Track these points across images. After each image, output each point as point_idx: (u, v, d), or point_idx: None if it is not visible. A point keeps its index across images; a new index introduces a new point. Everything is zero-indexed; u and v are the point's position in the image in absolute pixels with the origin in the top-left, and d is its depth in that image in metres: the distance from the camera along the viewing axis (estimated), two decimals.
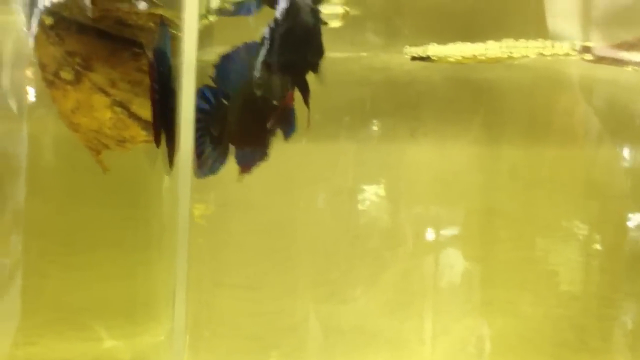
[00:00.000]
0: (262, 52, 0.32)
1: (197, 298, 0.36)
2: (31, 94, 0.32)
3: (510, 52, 0.27)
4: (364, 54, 0.30)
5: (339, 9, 0.31)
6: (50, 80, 0.32)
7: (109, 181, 0.34)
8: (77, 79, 0.32)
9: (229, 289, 0.34)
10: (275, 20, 0.32)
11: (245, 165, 0.33)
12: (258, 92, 0.33)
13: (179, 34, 0.37)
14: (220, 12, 0.36)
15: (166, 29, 0.36)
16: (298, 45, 0.32)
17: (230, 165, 0.34)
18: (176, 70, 0.37)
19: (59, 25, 0.31)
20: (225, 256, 0.35)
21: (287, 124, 0.32)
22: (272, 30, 0.32)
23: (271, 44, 0.32)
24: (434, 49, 0.28)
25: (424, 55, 0.28)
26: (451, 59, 0.28)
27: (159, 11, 0.35)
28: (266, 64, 0.32)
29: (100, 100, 0.33)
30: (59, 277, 0.33)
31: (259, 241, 0.33)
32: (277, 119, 0.32)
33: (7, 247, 0.32)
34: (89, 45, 0.32)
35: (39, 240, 0.33)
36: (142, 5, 0.34)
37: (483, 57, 0.28)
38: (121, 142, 0.34)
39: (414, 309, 0.30)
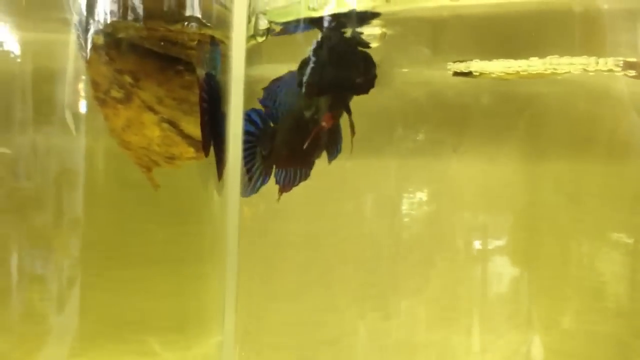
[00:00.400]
0: (307, 72, 0.32)
1: (246, 311, 0.36)
2: (85, 111, 0.32)
3: (554, 69, 0.27)
4: (406, 69, 0.30)
5: (377, 30, 0.30)
6: (102, 99, 0.32)
7: (161, 197, 0.34)
8: (127, 98, 0.32)
9: (277, 302, 0.34)
10: (320, 40, 0.32)
11: (286, 184, 0.33)
12: (306, 114, 0.32)
13: (228, 52, 0.38)
14: (269, 32, 0.36)
15: (217, 48, 0.36)
16: (341, 67, 0.32)
17: (271, 183, 0.34)
18: (225, 86, 0.37)
19: (109, 45, 0.32)
20: (274, 269, 0.34)
21: (333, 145, 0.31)
22: (316, 51, 0.32)
23: (315, 64, 0.32)
24: (477, 65, 0.28)
25: (466, 71, 0.28)
26: (493, 75, 0.28)
27: (209, 32, 0.35)
28: (310, 85, 0.32)
29: (149, 117, 0.33)
30: (112, 291, 0.33)
31: (307, 255, 0.33)
32: (320, 140, 0.32)
33: (63, 261, 0.32)
34: (137, 63, 0.32)
35: (94, 254, 0.33)
36: (193, 27, 0.35)
37: (525, 73, 0.27)
38: (170, 159, 0.34)
39: (458, 323, 0.29)
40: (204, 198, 0.37)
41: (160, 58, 0.33)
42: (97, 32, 0.31)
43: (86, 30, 0.31)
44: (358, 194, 0.31)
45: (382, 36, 0.30)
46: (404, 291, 0.30)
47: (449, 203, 0.29)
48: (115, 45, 0.32)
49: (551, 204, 0.28)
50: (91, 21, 0.32)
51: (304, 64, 0.32)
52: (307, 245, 0.33)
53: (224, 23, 0.37)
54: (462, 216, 0.29)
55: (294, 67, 0.33)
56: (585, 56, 0.27)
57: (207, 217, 0.37)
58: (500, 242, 0.29)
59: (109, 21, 0.32)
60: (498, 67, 0.27)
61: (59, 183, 0.31)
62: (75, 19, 0.31)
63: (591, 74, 0.27)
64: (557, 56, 0.27)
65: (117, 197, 0.33)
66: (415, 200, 0.30)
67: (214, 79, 0.36)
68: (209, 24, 0.36)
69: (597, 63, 0.26)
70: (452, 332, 0.29)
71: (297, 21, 0.33)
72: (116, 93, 0.32)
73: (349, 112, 0.31)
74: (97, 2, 0.32)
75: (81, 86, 0.32)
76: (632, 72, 0.26)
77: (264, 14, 0.36)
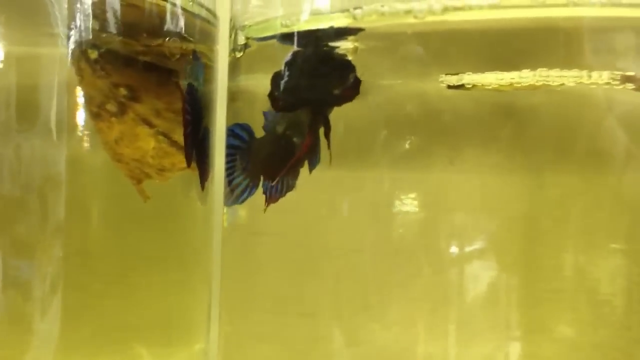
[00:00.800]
0: (281, 86, 0.33)
1: (228, 321, 0.36)
2: (75, 123, 0.32)
3: (546, 81, 0.27)
4: (399, 81, 0.30)
5: (349, 44, 0.31)
6: (95, 112, 0.32)
7: (145, 207, 0.34)
8: (121, 111, 0.32)
9: (258, 314, 0.34)
10: (292, 54, 0.32)
11: (273, 195, 0.33)
12: (279, 129, 0.33)
13: (213, 64, 0.38)
14: (245, 47, 0.36)
15: (199, 61, 0.36)
16: (316, 80, 0.32)
17: (258, 195, 0.34)
18: (209, 95, 0.38)
19: (104, 59, 0.32)
20: (256, 280, 0.34)
21: (312, 155, 0.32)
22: (288, 65, 0.32)
23: (288, 78, 0.32)
24: (469, 78, 0.28)
25: (459, 83, 0.28)
26: (488, 87, 0.28)
27: (191, 46, 0.36)
28: (285, 100, 0.33)
29: (144, 130, 0.33)
30: (97, 297, 0.33)
31: (291, 266, 0.33)
32: (303, 153, 0.32)
33: (47, 269, 0.32)
34: (136, 77, 0.32)
35: (78, 262, 0.33)
36: (174, 41, 0.35)
37: (519, 85, 0.27)
38: (161, 170, 0.34)
39: (456, 334, 0.29)
40: (186, 207, 0.37)
41: (159, 71, 0.33)
42: (89, 46, 0.32)
43: (69, 44, 0.31)
44: (349, 206, 0.31)
45: (354, 50, 0.31)
46: (397, 304, 0.30)
47: (444, 216, 0.29)
48: (109, 59, 0.32)
49: (552, 217, 0.28)
50: (80, 35, 0.32)
51: (276, 77, 0.33)
52: (293, 256, 0.33)
53: (208, 37, 0.37)
54: (458, 228, 0.29)
55: None
56: (577, 69, 0.27)
57: (190, 225, 0.37)
58: (499, 257, 0.28)
59: (91, 36, 0.32)
60: (490, 79, 0.28)
61: (44, 192, 0.31)
62: (65, 33, 0.32)
63: (592, 86, 0.27)
64: (545, 69, 0.27)
65: (102, 207, 0.34)
66: (409, 214, 0.29)
67: (196, 91, 0.36)
68: (191, 39, 0.36)
69: (590, 76, 0.27)
70: (448, 343, 0.29)
71: (273, 37, 0.34)
72: (110, 107, 0.32)
73: (327, 125, 0.31)
74: (81, 17, 0.32)
75: (69, 99, 0.32)
76: (631, 86, 0.27)
77: (242, 29, 0.37)
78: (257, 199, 0.34)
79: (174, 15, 0.35)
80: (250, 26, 0.36)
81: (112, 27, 0.32)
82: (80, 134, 0.32)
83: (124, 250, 0.34)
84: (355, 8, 0.31)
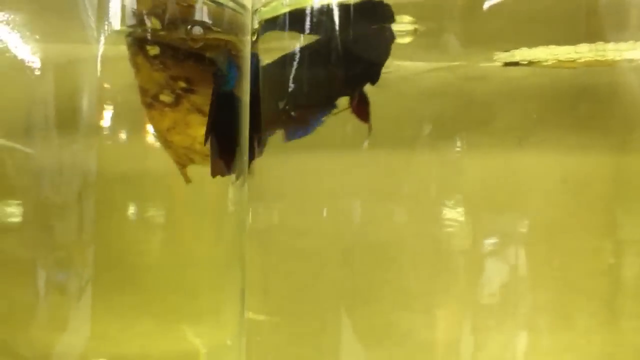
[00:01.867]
0: (294, 67, 0.34)
1: (253, 308, 0.37)
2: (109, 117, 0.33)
3: (604, 55, 0.26)
4: (456, 63, 0.29)
5: (409, 27, 0.31)
6: (149, 102, 0.33)
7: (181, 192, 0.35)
8: (177, 102, 0.33)
9: (280, 307, 0.35)
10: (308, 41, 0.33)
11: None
12: (280, 105, 0.34)
13: (241, 53, 0.39)
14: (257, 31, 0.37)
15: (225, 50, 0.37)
16: (354, 58, 0.32)
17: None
18: (239, 82, 0.38)
19: (164, 54, 0.33)
20: (279, 272, 0.36)
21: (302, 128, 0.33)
22: (303, 49, 0.34)
23: (302, 60, 0.33)
24: (522, 54, 0.27)
25: (513, 60, 0.28)
26: (546, 63, 0.27)
27: (220, 36, 0.37)
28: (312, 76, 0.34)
29: (195, 118, 0.34)
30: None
31: (320, 259, 0.33)
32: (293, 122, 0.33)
33: (85, 269, 0.32)
34: (193, 70, 0.34)
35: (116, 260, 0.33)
36: (197, 30, 0.36)
37: (581, 61, 0.26)
38: (207, 156, 0.35)
39: (509, 330, 0.28)
40: (216, 194, 0.38)
41: (211, 63, 0.34)
42: (147, 43, 0.32)
43: (136, 41, 0.32)
44: (396, 193, 0.31)
45: (414, 32, 0.30)
46: (443, 301, 0.30)
47: (508, 201, 0.28)
48: (169, 54, 0.33)
49: (635, 203, 0.27)
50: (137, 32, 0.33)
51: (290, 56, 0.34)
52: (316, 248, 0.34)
53: (235, 29, 0.38)
54: (519, 214, 0.28)
55: None
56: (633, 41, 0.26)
57: (222, 213, 0.38)
58: (576, 244, 0.28)
59: (148, 33, 0.33)
60: (544, 53, 0.27)
61: (81, 195, 0.32)
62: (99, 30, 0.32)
63: None
64: (602, 42, 0.26)
65: (134, 207, 0.34)
66: (465, 201, 0.29)
67: (223, 79, 0.37)
68: (216, 29, 0.37)
69: None
70: (499, 340, 0.29)
71: (277, 18, 0.35)
72: (165, 97, 0.33)
73: (366, 100, 0.31)
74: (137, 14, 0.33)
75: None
76: None
77: (256, 13, 0.37)
78: (277, 195, 0.35)
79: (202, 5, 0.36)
80: (262, 8, 0.37)
81: (170, 24, 0.33)
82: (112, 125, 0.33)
83: (163, 239, 0.35)
84: None
